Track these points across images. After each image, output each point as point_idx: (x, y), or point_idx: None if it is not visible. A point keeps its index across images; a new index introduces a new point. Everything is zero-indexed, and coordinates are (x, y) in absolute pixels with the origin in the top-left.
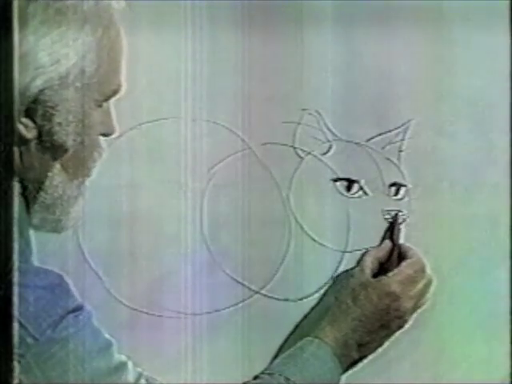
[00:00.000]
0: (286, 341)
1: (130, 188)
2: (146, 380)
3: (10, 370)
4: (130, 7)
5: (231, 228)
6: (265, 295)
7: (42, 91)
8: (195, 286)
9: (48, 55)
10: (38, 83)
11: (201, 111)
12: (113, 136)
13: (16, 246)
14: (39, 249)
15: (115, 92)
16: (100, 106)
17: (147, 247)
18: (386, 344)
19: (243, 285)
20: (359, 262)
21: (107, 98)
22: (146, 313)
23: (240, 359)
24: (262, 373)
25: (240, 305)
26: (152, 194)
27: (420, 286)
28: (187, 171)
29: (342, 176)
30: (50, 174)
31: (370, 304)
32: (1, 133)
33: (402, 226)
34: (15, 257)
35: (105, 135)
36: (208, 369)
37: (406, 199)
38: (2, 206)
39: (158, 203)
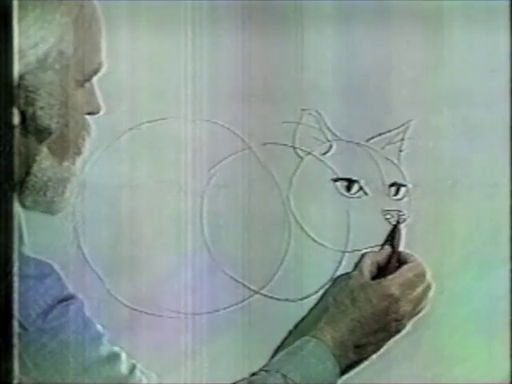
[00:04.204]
0: (283, 341)
1: (129, 188)
2: (141, 372)
3: (10, 369)
4: (131, 7)
5: (231, 228)
6: (265, 295)
7: (22, 76)
8: (195, 286)
9: (26, 39)
10: (19, 68)
11: (201, 111)
12: (112, 135)
13: (16, 247)
14: (39, 248)
15: (96, 71)
16: (82, 85)
17: (147, 247)
18: (387, 345)
19: (243, 285)
20: (357, 264)
21: (89, 78)
22: (146, 313)
23: (240, 359)
24: (260, 370)
25: (240, 305)
26: (152, 194)
27: (419, 290)
28: (187, 171)
29: (342, 176)
30: (37, 157)
31: (368, 305)
32: (0, 132)
33: (403, 230)
34: (15, 257)
35: (90, 114)
36: (208, 369)
37: (406, 199)
38: (2, 207)
39: (158, 203)
